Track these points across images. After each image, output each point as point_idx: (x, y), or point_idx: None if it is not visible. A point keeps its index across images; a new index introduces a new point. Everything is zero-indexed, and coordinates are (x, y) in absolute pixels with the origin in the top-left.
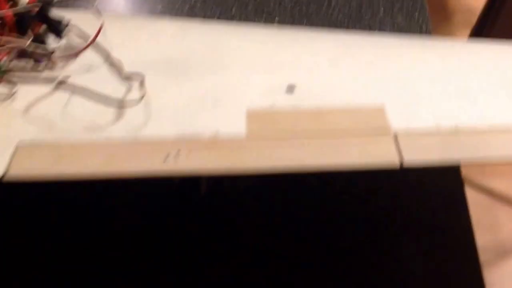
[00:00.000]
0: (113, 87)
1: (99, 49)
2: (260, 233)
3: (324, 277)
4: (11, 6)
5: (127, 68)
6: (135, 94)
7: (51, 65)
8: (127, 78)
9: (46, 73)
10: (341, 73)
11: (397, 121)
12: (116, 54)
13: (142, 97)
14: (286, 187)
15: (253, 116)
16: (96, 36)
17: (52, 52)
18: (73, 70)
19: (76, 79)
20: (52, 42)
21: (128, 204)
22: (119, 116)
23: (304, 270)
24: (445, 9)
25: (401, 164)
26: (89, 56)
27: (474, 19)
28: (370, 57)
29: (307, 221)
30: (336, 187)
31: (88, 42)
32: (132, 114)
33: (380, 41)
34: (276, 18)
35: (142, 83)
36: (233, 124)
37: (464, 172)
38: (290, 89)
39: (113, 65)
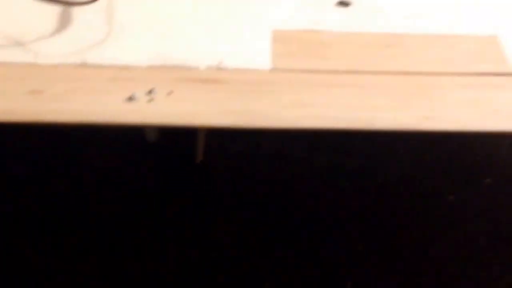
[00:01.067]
0: None
1: None
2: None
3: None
4: None
5: None
6: None
7: None
8: None
9: None
10: None
11: None
12: None
13: None
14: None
15: (283, 39)
16: None
17: None
18: None
19: None
20: None
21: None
22: (61, 26)
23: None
24: None
25: None
26: None
27: None
28: None
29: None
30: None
31: None
32: (82, 25)
33: None
34: None
35: None
36: (248, 50)
37: None
38: (343, 4)
39: None
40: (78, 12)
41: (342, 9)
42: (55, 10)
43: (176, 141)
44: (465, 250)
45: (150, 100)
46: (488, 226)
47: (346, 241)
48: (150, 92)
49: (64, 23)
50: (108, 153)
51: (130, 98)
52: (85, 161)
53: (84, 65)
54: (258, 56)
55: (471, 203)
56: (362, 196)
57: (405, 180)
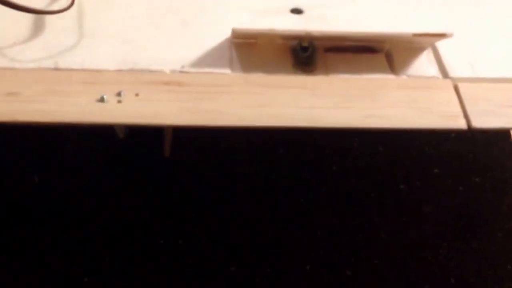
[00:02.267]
0: None
1: None
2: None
3: None
4: None
5: None
6: (62, 3)
7: None
8: None
9: None
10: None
11: (457, 59)
12: None
13: (71, 4)
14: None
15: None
16: None
17: None
18: None
19: None
20: None
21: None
22: (35, 32)
23: None
24: None
25: (469, 126)
26: None
27: None
28: None
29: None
30: None
31: None
32: (55, 32)
33: None
34: None
35: None
36: (209, 54)
37: None
38: (296, 11)
39: None
40: (50, 20)
41: (295, 16)
42: (29, 18)
43: (145, 137)
44: (413, 234)
45: (119, 102)
46: (435, 213)
47: (306, 228)
48: (118, 94)
49: (37, 30)
50: (80, 149)
51: (100, 100)
52: (58, 158)
53: (57, 69)
54: (217, 60)
55: (420, 191)
56: (319, 185)
57: (359, 170)
